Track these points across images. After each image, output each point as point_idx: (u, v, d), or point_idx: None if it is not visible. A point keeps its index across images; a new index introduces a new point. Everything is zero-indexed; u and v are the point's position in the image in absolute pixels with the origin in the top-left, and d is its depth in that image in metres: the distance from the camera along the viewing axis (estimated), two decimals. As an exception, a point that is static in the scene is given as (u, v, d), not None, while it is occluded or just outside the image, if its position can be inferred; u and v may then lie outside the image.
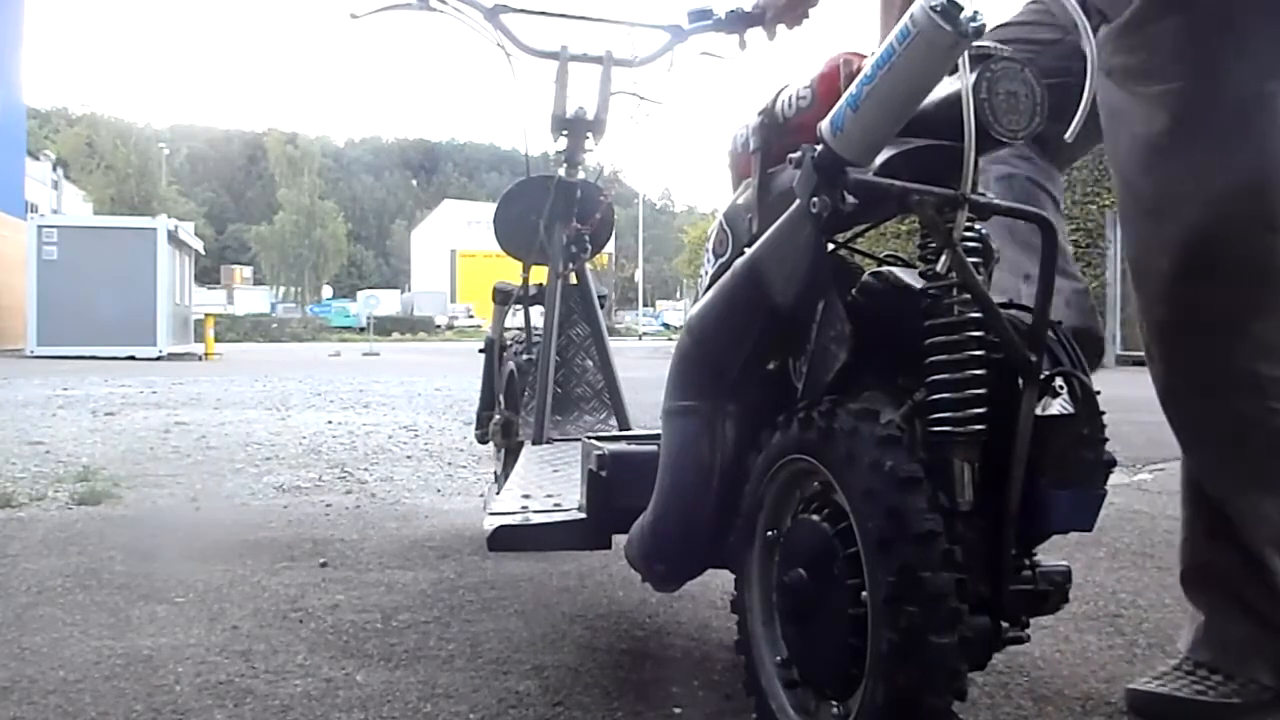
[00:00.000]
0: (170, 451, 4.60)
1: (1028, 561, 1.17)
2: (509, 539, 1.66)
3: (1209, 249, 1.43)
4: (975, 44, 1.04)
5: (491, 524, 1.66)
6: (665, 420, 1.39)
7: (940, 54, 1.03)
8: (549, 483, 1.88)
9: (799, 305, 1.21)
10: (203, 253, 22.62)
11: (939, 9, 1.00)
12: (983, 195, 1.14)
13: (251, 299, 51.73)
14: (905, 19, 1.03)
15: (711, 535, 1.35)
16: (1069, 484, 1.13)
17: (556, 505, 1.73)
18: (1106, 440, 1.14)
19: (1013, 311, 1.17)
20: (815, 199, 1.12)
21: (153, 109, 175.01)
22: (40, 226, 16.19)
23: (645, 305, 51.53)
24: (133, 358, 14.78)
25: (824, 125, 1.12)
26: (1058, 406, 1.13)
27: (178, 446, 4.76)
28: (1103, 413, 1.14)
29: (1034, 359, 1.11)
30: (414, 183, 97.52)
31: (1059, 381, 1.14)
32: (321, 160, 65.23)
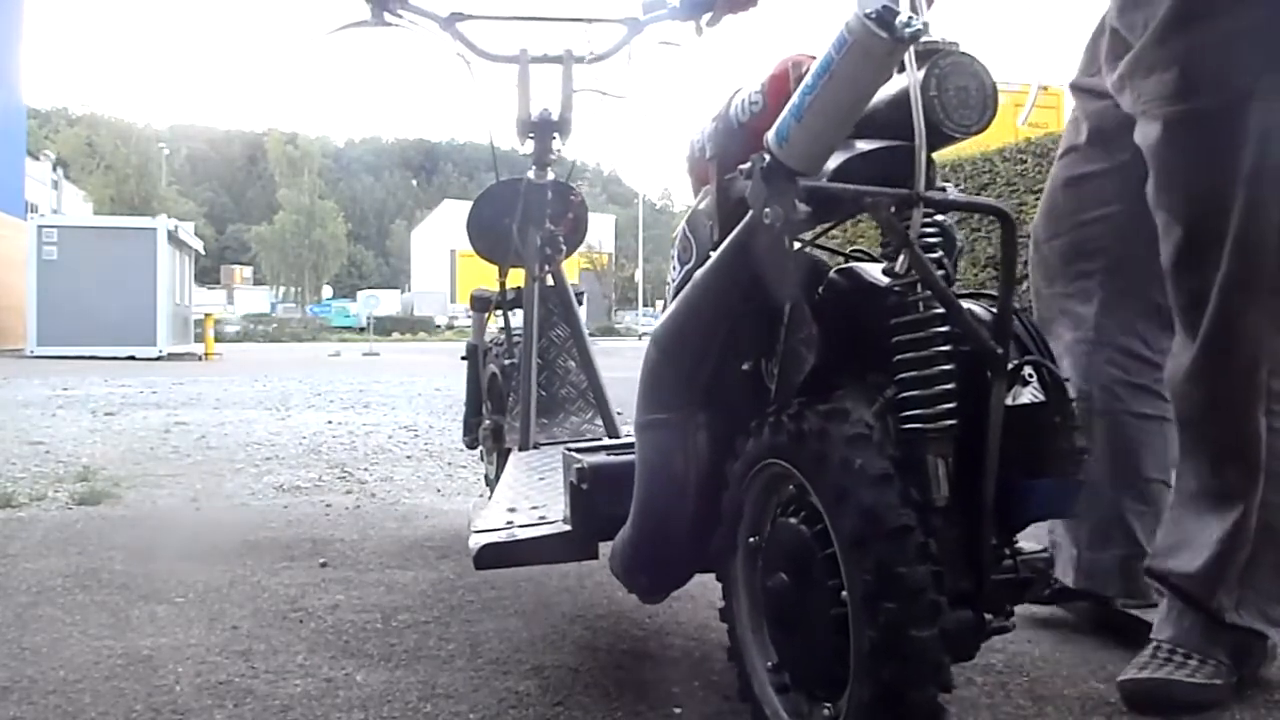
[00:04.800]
0: (170, 451, 4.60)
1: (1008, 551, 1.16)
2: (495, 556, 1.65)
3: (1255, 268, 1.49)
4: (923, 40, 1.03)
5: (477, 543, 1.65)
6: (638, 434, 1.38)
7: (878, 61, 1.03)
8: (535, 492, 1.88)
9: (765, 310, 1.20)
10: (203, 253, 22.58)
11: (874, 16, 1.00)
12: (940, 190, 1.14)
13: (251, 299, 51.71)
14: (842, 27, 1.03)
15: (691, 545, 1.35)
16: (1044, 472, 1.13)
17: (542, 518, 1.72)
18: (1079, 426, 1.14)
19: (978, 302, 1.17)
20: (768, 210, 1.12)
21: (153, 109, 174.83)
22: (40, 226, 16.15)
23: (645, 305, 51.55)
24: (133, 358, 14.77)
25: (769, 136, 1.12)
26: (1028, 395, 1.13)
27: (178, 446, 4.76)
28: (1073, 400, 1.14)
29: (1000, 350, 1.11)
30: (414, 183, 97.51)
31: (1028, 370, 1.14)
32: (321, 160, 65.16)
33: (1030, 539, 1.21)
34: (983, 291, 1.21)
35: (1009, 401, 1.11)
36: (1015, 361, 1.13)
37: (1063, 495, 1.15)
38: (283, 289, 59.54)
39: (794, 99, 1.09)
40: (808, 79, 1.07)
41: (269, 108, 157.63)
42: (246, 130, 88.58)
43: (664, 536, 1.38)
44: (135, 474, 3.87)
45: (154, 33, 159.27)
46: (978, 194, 14.56)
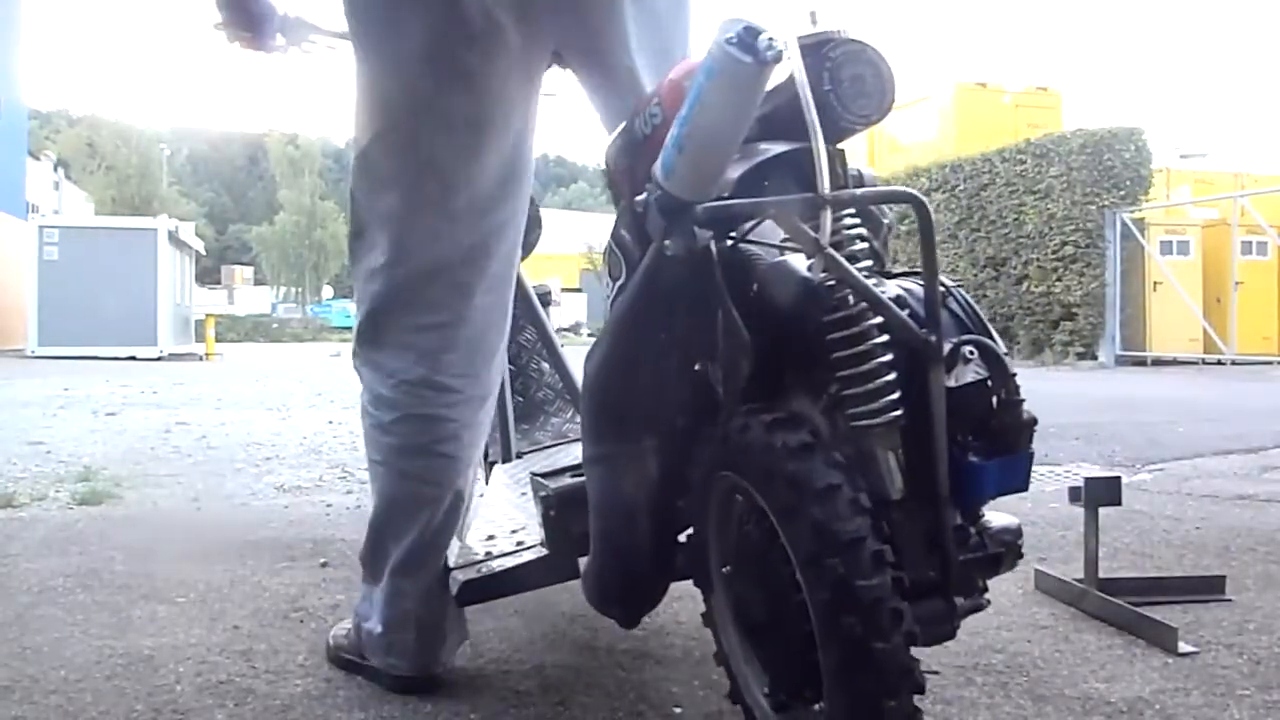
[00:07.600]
0: (171, 451, 4.61)
1: (973, 529, 1.13)
2: (476, 592, 1.61)
3: None
4: (812, 32, 1.01)
5: (456, 580, 1.61)
6: (586, 468, 1.33)
7: (746, 85, 1.01)
8: (517, 510, 1.84)
9: (697, 320, 1.17)
10: (203, 253, 22.58)
11: (735, 41, 0.99)
12: (847, 186, 1.10)
13: (252, 299, 51.73)
14: (706, 55, 1.01)
15: (656, 568, 1.32)
16: (994, 451, 1.09)
17: (520, 544, 1.67)
18: (1023, 400, 1.10)
19: (910, 285, 1.12)
20: (668, 242, 1.09)
21: (154, 110, 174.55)
22: (41, 227, 16.15)
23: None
24: (134, 358, 14.77)
25: (656, 169, 1.09)
26: (971, 374, 1.09)
27: (178, 446, 4.77)
28: (1014, 374, 1.10)
29: (932, 337, 1.06)
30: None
31: (968, 349, 1.10)
32: (322, 161, 65.00)
33: (999, 510, 1.17)
34: (917, 270, 1.14)
35: (951, 383, 1.07)
36: (954, 341, 1.09)
37: (1015, 471, 1.11)
38: (283, 289, 59.52)
39: (673, 129, 1.07)
40: (683, 109, 1.05)
41: (270, 108, 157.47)
42: (247, 131, 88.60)
43: (625, 567, 1.34)
44: (136, 474, 3.88)
45: (155, 34, 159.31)
46: (978, 194, 14.57)
